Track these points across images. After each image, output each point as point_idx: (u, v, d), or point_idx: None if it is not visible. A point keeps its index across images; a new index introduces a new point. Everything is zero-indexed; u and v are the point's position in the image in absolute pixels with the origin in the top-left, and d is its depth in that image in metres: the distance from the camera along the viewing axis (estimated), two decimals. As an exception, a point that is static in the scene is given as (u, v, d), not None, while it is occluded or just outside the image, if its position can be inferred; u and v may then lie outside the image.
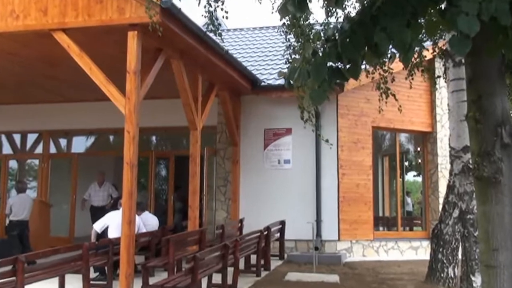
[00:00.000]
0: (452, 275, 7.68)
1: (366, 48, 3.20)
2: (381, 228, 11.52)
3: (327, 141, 8.26)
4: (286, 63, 7.78)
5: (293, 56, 7.20)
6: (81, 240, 8.94)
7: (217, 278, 7.09)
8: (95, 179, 12.04)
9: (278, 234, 9.99)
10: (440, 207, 8.42)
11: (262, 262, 8.68)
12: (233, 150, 11.47)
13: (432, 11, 3.29)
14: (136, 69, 6.67)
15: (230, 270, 7.06)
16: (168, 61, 7.74)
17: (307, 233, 9.91)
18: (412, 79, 8.67)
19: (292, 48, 7.39)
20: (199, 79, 8.94)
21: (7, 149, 13.51)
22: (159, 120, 11.51)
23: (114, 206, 10.85)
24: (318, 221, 10.48)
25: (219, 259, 6.78)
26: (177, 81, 8.20)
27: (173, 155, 12.14)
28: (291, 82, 3.48)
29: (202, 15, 6.90)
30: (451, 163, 7.71)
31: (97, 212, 10.82)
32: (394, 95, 8.34)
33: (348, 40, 3.18)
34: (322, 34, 4.90)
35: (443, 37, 7.87)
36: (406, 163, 11.99)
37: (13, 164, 13.53)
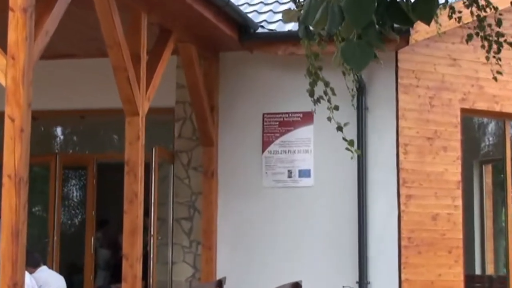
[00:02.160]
0: None
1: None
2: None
3: (350, 143, 5.98)
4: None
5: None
6: None
7: None
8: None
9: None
10: None
11: None
12: (206, 153, 8.68)
13: None
14: (27, 3, 5.97)
15: None
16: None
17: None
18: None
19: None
20: (142, 21, 7.44)
21: None
22: (69, 98, 9.38)
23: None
24: (363, 284, 7.98)
25: None
26: (102, 26, 7.13)
27: (95, 162, 9.94)
28: (310, 27, 3.43)
29: None
30: None
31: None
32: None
33: None
34: None
35: None
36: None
37: None
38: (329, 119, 5.82)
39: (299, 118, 8.66)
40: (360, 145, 8.33)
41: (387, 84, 8.58)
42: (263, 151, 8.75)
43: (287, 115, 8.71)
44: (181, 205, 8.99)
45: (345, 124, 5.87)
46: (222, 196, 8.81)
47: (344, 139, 5.58)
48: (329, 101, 5.69)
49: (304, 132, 8.65)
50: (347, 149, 5.54)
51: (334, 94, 5.56)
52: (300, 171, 8.60)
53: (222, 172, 8.87)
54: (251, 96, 8.86)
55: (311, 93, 5.74)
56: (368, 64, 2.92)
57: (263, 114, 8.79)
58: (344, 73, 5.85)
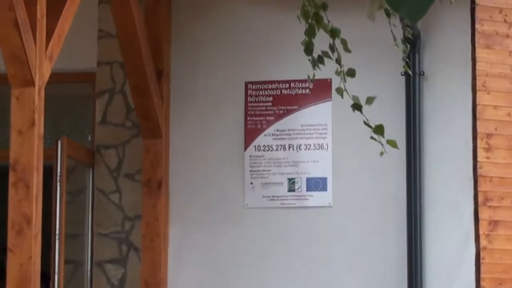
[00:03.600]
0: None
1: None
2: None
3: (377, 129, 5.35)
4: None
5: None
6: None
7: None
8: None
9: None
10: None
11: None
12: (149, 150, 7.27)
13: None
14: None
15: None
16: None
17: None
18: None
19: None
20: None
21: None
22: None
23: None
24: None
25: None
26: None
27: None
28: None
29: None
30: None
31: None
32: None
33: None
34: None
35: None
36: None
37: None
38: (339, 91, 4.98)
39: (307, 91, 6.73)
40: (410, 136, 6.63)
41: (457, 33, 7.02)
42: (246, 147, 6.74)
43: (286, 86, 6.76)
44: (106, 239, 7.14)
45: (370, 100, 4.93)
46: (176, 223, 7.04)
47: (366, 123, 4.68)
48: (338, 61, 4.95)
49: (316, 114, 6.85)
50: (372, 138, 4.86)
51: (347, 49, 4.86)
52: (309, 180, 6.74)
53: (176, 183, 6.98)
54: (225, 53, 7.00)
55: (308, 47, 5.08)
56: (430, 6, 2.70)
57: (246, 84, 6.89)
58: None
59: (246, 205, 6.79)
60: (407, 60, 6.18)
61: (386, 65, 6.45)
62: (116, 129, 7.30)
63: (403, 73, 6.35)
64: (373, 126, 4.67)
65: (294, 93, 6.75)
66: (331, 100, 6.60)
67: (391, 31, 5.27)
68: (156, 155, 6.96)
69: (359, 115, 6.27)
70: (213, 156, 6.88)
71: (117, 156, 7.35)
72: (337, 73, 4.91)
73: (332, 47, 4.92)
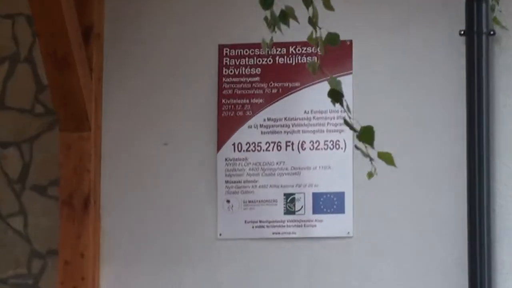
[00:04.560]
0: None
1: None
2: None
3: (364, 134, 4.06)
4: None
5: None
6: None
7: None
8: None
9: None
10: None
11: None
12: (70, 148, 6.25)
13: None
14: None
15: None
16: None
17: None
18: None
19: None
20: None
21: None
22: None
23: None
24: None
25: None
26: None
27: None
28: None
29: None
30: None
31: None
32: None
33: None
34: None
35: None
36: None
37: None
38: (310, 66, 4.16)
39: (314, 59, 5.18)
40: (472, 127, 5.23)
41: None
42: (219, 145, 5.35)
43: (282, 51, 5.44)
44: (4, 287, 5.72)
45: (335, 83, 4.14)
46: (110, 262, 5.68)
47: (346, 123, 3.79)
48: (312, 21, 4.06)
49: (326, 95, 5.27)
50: (357, 148, 3.72)
51: (329, 5, 3.95)
52: (318, 197, 5.31)
53: (112, 200, 5.57)
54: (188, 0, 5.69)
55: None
56: None
57: (220, 48, 5.52)
58: None
59: (220, 235, 5.23)
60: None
61: (438, 20, 5.21)
62: (20, 117, 5.71)
63: (462, 32, 5.12)
64: (357, 129, 3.64)
65: (294, 62, 5.24)
66: (351, 72, 5.10)
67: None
68: (82, 157, 5.40)
69: (396, 94, 5.52)
70: (168, 159, 5.25)
71: (21, 158, 5.69)
72: (311, 39, 4.04)
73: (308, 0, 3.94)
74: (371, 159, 3.54)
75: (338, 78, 3.81)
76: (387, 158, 3.52)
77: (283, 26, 4.25)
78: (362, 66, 5.23)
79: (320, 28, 3.78)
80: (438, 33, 5.17)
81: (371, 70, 5.29)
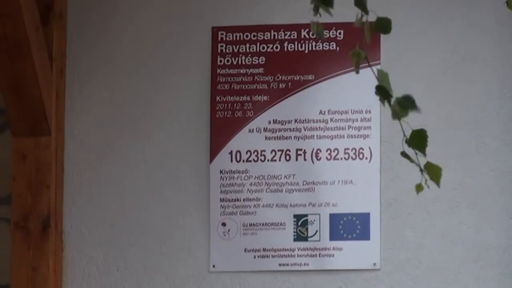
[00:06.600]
0: None
1: None
2: None
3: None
4: None
5: None
6: None
7: None
8: None
9: None
10: None
11: None
12: (24, 156, 5.64)
13: None
14: None
15: None
16: None
17: None
18: None
19: None
20: None
21: None
22: None
23: None
24: None
25: None
26: None
27: None
28: None
29: None
30: None
31: None
32: None
33: None
34: None
35: None
36: None
37: None
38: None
39: (333, 45, 4.97)
40: None
41: None
42: (212, 154, 4.90)
43: (292, 35, 5.04)
44: None
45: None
46: None
47: (404, 155, 2.59)
48: None
49: (350, 91, 5.16)
50: (404, 155, 2.67)
51: None
52: (336, 219, 4.85)
53: (77, 223, 5.11)
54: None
55: None
56: None
57: (214, 32, 5.20)
58: None
59: (213, 267, 4.55)
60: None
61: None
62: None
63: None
64: (410, 131, 3.07)
65: (307, 50, 4.56)
66: (379, 63, 4.41)
67: None
68: (39, 168, 4.78)
69: (432, 92, 5.30)
70: (148, 170, 4.56)
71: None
72: (359, 21, 3.95)
73: None
74: (421, 170, 3.18)
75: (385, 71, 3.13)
76: (434, 172, 2.86)
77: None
78: (389, 57, 4.69)
79: (367, 13, 3.28)
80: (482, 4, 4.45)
81: (401, 63, 4.79)
